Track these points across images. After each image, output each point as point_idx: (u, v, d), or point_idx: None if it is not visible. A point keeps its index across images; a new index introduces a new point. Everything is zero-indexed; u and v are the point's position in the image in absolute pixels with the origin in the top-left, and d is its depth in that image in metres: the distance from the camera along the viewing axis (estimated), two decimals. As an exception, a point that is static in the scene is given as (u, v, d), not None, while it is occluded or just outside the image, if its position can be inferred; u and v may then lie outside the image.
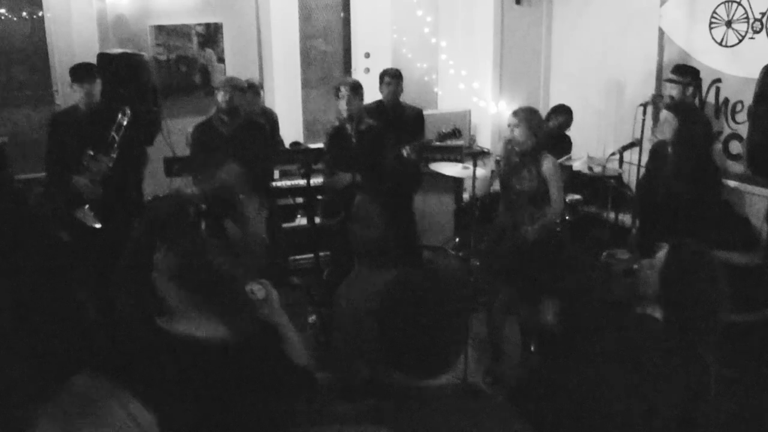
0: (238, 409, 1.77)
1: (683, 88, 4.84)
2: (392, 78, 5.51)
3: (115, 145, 4.38)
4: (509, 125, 4.16)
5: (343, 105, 4.71)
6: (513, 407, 1.58)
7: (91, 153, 4.32)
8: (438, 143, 5.25)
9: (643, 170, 4.82)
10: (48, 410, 1.30)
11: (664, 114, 4.25)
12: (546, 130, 5.71)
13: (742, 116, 5.01)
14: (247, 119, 4.78)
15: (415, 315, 1.48)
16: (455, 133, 5.04)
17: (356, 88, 4.75)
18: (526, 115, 4.07)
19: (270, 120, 5.80)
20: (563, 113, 5.86)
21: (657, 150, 4.47)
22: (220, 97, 4.56)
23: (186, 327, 1.83)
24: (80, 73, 4.43)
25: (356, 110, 4.75)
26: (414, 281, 1.55)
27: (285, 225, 5.65)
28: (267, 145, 4.80)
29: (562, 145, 5.72)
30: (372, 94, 5.73)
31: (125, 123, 4.43)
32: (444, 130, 5.01)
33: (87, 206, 4.34)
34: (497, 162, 4.20)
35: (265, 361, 1.94)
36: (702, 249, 2.12)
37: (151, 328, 1.84)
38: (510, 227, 4.16)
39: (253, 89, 5.49)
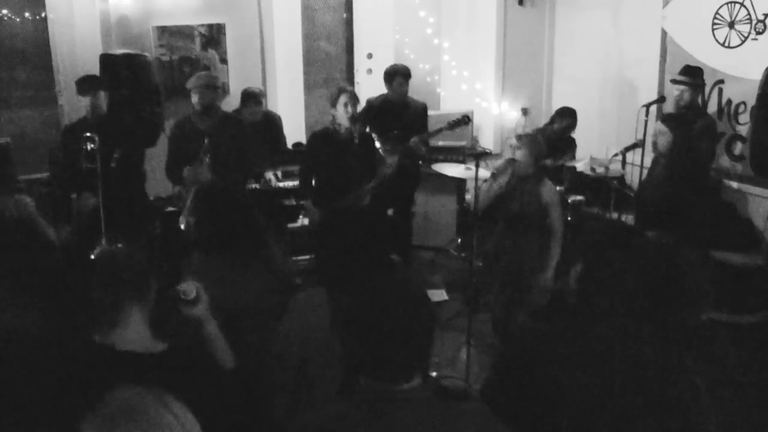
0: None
1: (693, 89, 4.81)
2: (404, 78, 5.50)
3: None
4: (512, 146, 4.16)
5: (342, 112, 4.56)
6: (488, 408, 1.58)
7: (74, 196, 4.35)
8: (448, 130, 5.36)
9: (645, 172, 4.80)
10: (91, 419, 1.30)
11: (659, 126, 4.27)
12: (550, 132, 5.74)
13: (744, 117, 5.01)
14: (224, 115, 4.77)
15: (376, 324, 1.49)
16: (464, 120, 5.20)
17: (356, 97, 4.73)
18: (530, 142, 4.09)
19: (272, 123, 5.81)
20: (568, 116, 5.85)
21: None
22: (194, 99, 4.54)
23: (127, 343, 1.85)
24: (83, 85, 4.46)
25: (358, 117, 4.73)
26: (377, 291, 1.56)
27: (287, 226, 5.66)
28: (245, 141, 4.75)
29: (566, 147, 5.72)
30: (376, 94, 5.74)
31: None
32: (453, 119, 5.17)
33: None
34: (493, 174, 4.13)
35: (197, 368, 1.95)
36: (675, 244, 2.11)
37: (88, 343, 1.85)
38: (507, 247, 4.15)
39: (255, 99, 5.50)
